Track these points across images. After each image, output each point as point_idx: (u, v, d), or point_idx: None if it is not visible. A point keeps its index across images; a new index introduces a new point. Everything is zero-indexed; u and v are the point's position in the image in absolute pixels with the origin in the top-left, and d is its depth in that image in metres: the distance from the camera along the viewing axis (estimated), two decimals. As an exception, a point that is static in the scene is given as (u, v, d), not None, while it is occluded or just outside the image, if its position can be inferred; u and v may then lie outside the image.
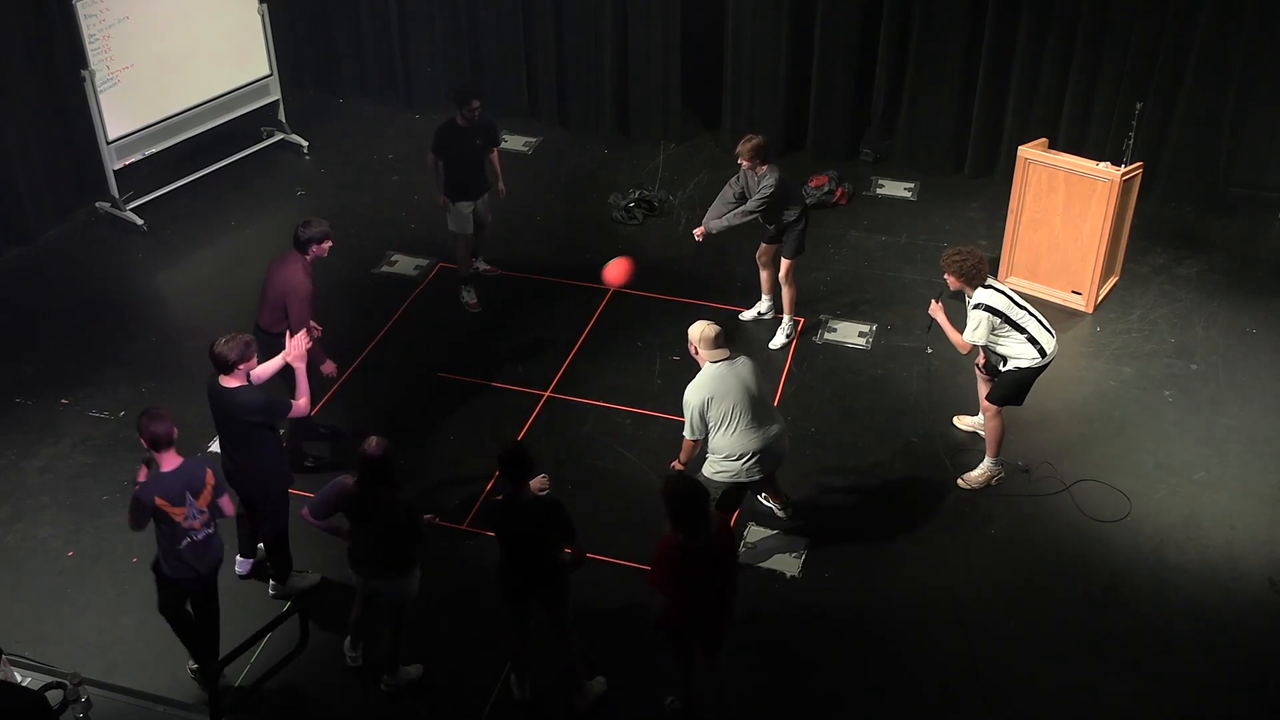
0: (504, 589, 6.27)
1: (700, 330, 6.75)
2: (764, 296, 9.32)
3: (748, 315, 9.38)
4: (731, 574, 5.94)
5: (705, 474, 6.87)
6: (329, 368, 7.75)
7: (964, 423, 8.34)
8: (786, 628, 7.00)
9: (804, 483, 7.92)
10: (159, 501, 6.03)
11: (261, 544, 7.20)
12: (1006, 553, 7.45)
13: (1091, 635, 6.90)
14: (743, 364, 6.78)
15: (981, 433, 8.04)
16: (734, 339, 9.17)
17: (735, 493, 6.99)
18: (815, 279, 9.76)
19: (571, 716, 6.50)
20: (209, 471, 6.20)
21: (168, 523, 6.08)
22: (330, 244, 7.65)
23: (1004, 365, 7.54)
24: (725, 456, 6.77)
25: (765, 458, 6.81)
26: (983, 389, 7.88)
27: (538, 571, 6.15)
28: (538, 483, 6.09)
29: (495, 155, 9.40)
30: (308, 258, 7.56)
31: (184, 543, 6.14)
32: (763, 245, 9.00)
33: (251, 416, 6.56)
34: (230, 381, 6.53)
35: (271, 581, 7.18)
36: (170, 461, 6.08)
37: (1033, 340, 7.36)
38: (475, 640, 6.89)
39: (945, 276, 7.45)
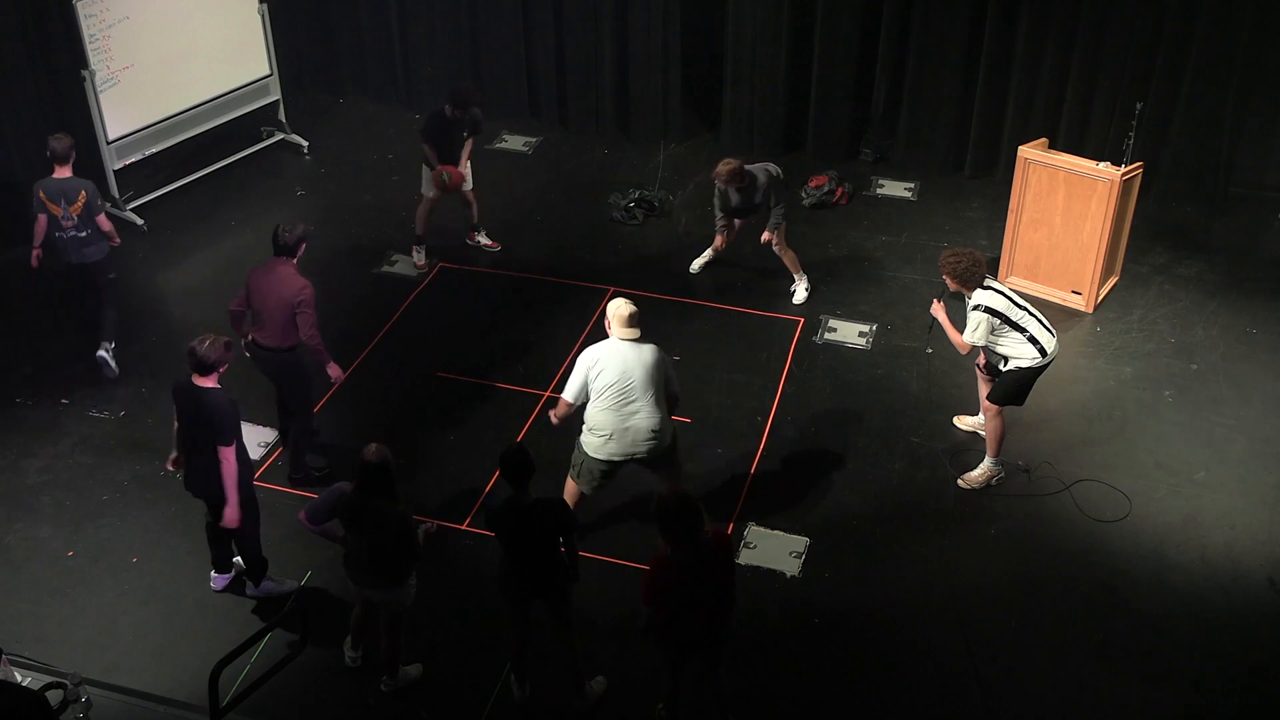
0: (506, 590, 6.27)
1: (615, 307, 6.85)
2: (710, 251, 9.85)
3: (695, 266, 9.88)
4: (726, 589, 5.89)
5: (579, 441, 7.00)
6: (335, 371, 7.70)
7: (964, 422, 8.34)
8: (786, 628, 7.00)
9: (804, 483, 7.93)
10: (41, 194, 8.44)
11: (238, 555, 7.16)
12: (1006, 553, 7.45)
13: (1091, 635, 6.89)
14: (648, 350, 6.83)
15: (981, 432, 8.04)
16: (746, 333, 9.21)
17: (597, 469, 6.97)
18: (815, 279, 9.76)
19: (571, 716, 6.51)
20: (84, 192, 8.42)
21: (50, 217, 8.43)
22: (306, 244, 7.61)
23: (1004, 365, 7.54)
24: (589, 429, 6.90)
25: (622, 442, 6.83)
26: (983, 389, 7.88)
27: (540, 572, 6.15)
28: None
29: (470, 143, 9.77)
30: (294, 260, 7.48)
31: (58, 234, 8.48)
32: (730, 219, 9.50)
33: (207, 416, 6.50)
34: (205, 382, 6.53)
35: (248, 582, 7.16)
36: (62, 172, 8.45)
37: (1033, 340, 7.35)
38: (475, 640, 6.89)
39: (944, 278, 7.45)
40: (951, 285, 7.43)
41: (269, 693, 6.00)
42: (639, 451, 6.89)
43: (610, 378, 6.75)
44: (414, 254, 10.03)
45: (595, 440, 6.88)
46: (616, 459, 6.92)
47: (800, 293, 9.52)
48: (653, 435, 6.84)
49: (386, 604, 6.32)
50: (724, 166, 8.85)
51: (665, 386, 6.88)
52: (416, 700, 6.59)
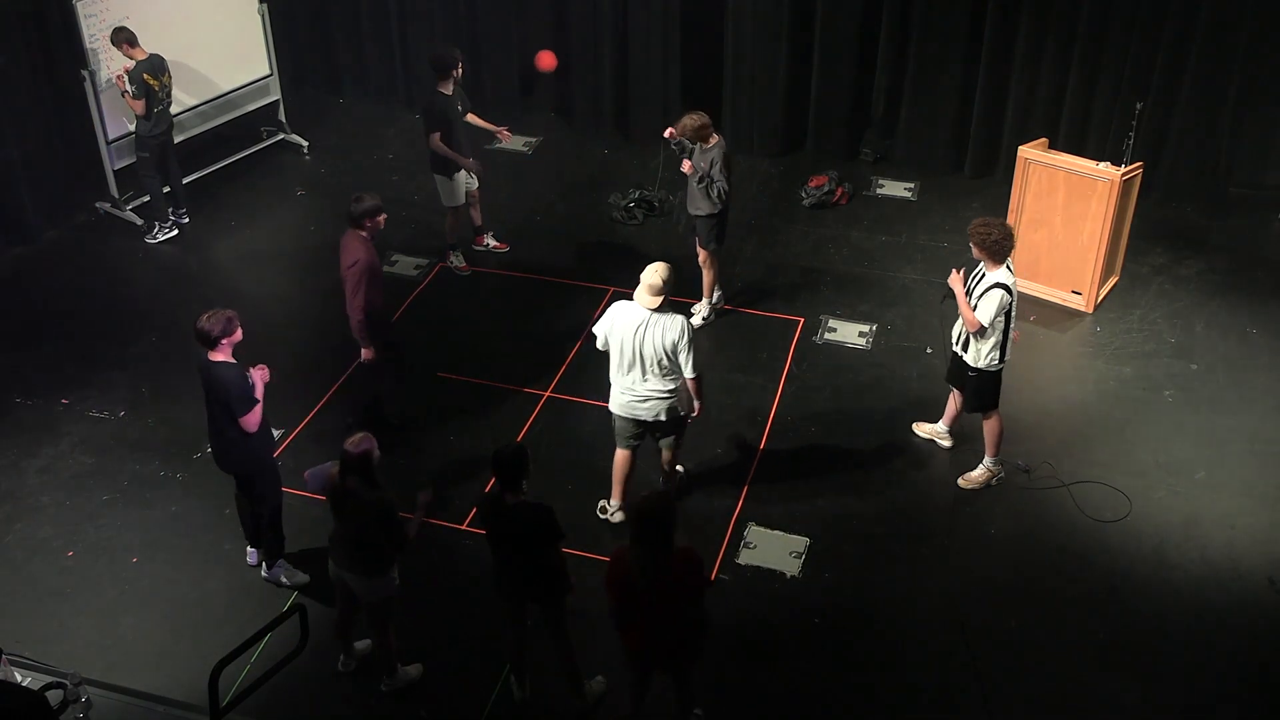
0: (499, 590, 6.27)
1: (646, 273, 6.97)
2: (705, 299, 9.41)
3: (697, 322, 9.30)
4: (676, 611, 5.70)
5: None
6: (365, 354, 7.95)
7: (923, 430, 8.29)
8: (786, 628, 6.99)
9: (805, 482, 7.93)
10: (146, 77, 9.76)
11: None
12: (1006, 553, 7.45)
13: (1091, 635, 6.90)
14: (658, 325, 6.94)
15: (940, 440, 8.05)
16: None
17: (627, 426, 7.33)
18: (815, 279, 9.77)
19: (571, 716, 6.50)
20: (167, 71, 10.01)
21: (150, 91, 9.81)
22: (384, 216, 7.77)
23: (973, 362, 7.47)
24: (612, 385, 7.26)
25: (625, 403, 7.21)
26: (953, 401, 7.88)
27: (527, 577, 6.13)
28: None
29: (474, 118, 9.71)
30: (363, 233, 7.67)
31: (155, 109, 9.92)
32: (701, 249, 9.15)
33: (220, 392, 6.64)
34: (216, 356, 6.64)
35: (263, 564, 7.20)
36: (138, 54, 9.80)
37: (1003, 345, 7.35)
38: (475, 640, 6.89)
39: (971, 245, 7.32)
40: (976, 253, 7.32)
41: (269, 693, 6.00)
42: (643, 419, 7.22)
43: (620, 341, 7.03)
44: (452, 259, 10.01)
45: (615, 396, 7.25)
46: (628, 416, 7.24)
47: (699, 318, 9.28)
48: (654, 399, 7.12)
49: (364, 592, 6.29)
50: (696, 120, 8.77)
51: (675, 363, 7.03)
52: (416, 700, 6.59)
